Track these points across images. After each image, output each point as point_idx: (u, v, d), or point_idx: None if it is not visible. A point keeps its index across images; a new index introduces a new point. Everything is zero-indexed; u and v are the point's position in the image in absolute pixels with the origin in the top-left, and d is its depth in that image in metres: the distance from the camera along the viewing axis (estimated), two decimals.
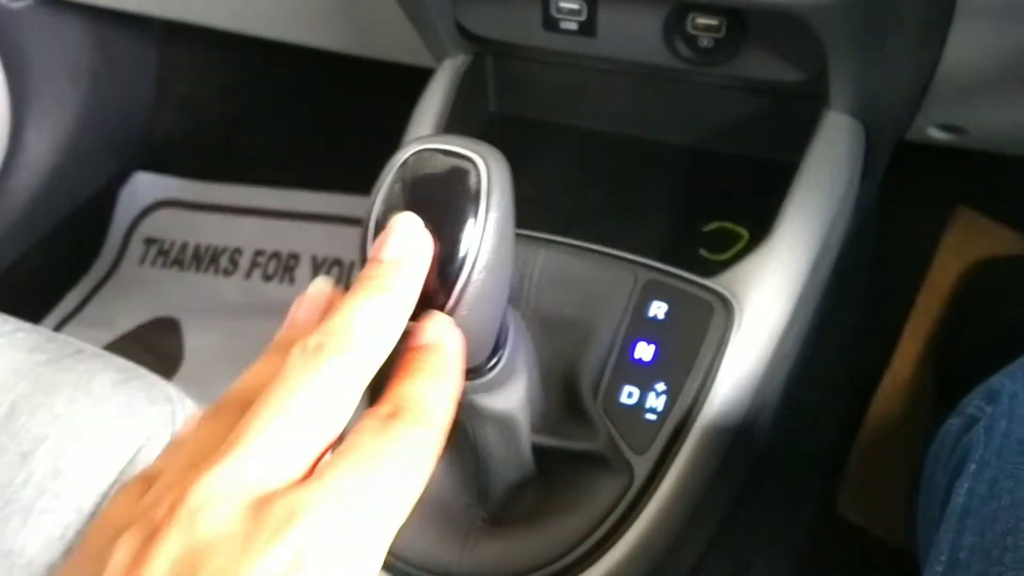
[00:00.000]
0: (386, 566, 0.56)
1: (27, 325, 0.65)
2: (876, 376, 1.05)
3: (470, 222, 0.42)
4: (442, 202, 0.42)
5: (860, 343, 1.03)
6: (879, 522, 1.00)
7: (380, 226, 0.43)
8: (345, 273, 1.31)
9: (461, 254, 0.42)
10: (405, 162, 0.44)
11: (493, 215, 0.41)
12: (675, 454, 0.55)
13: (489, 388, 0.48)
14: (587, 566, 0.54)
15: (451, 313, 0.42)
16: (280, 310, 1.31)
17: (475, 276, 0.41)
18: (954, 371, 1.06)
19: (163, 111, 1.42)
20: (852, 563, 0.99)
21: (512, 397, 0.50)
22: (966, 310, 1.08)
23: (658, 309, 0.58)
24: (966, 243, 1.10)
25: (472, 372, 0.47)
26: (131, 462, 0.57)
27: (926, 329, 1.08)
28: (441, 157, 0.43)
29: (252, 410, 0.31)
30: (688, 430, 0.55)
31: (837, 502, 1.01)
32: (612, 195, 0.72)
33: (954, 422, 0.54)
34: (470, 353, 0.45)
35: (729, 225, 0.68)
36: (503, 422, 0.50)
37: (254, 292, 1.32)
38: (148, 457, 0.56)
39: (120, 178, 1.42)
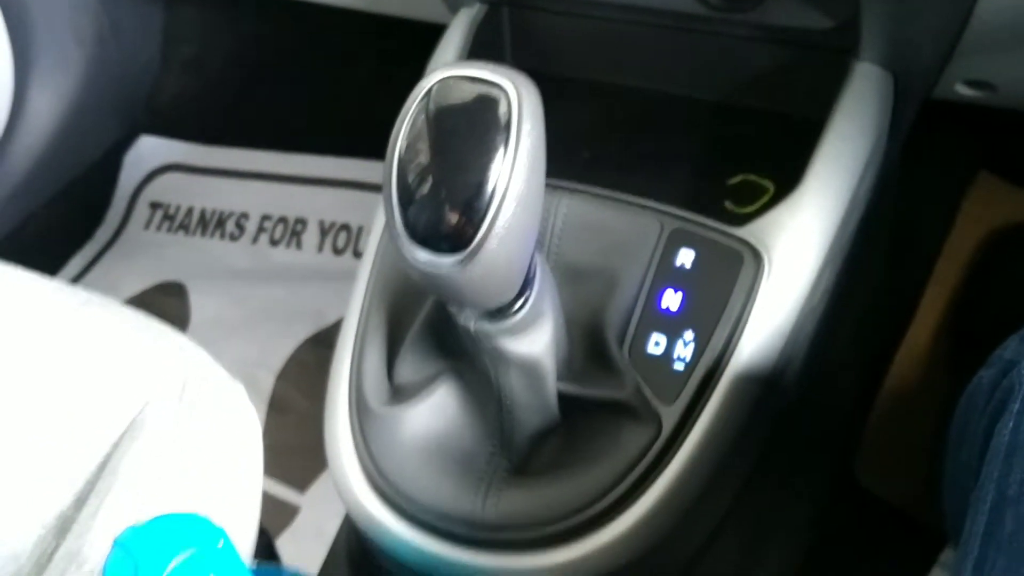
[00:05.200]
0: (407, 516, 0.54)
1: (33, 275, 0.64)
2: (894, 343, 1.04)
3: (499, 153, 0.40)
4: (469, 133, 0.41)
5: (879, 309, 1.01)
6: (895, 489, 0.99)
7: (404, 161, 0.42)
8: (353, 238, 1.29)
9: (490, 187, 0.40)
10: (429, 91, 0.42)
11: (525, 144, 0.40)
12: (704, 404, 0.53)
13: (515, 331, 0.46)
14: (612, 517, 0.52)
15: (479, 248, 0.40)
16: (287, 275, 1.29)
17: (506, 208, 0.40)
18: (972, 339, 1.05)
19: (169, 74, 1.40)
20: (869, 530, 0.98)
21: (538, 341, 0.48)
22: (984, 279, 1.07)
23: (685, 257, 0.56)
24: (986, 210, 1.09)
25: (499, 313, 0.45)
26: (142, 412, 0.55)
27: (944, 297, 1.07)
28: (467, 85, 0.41)
29: None
30: (717, 380, 0.53)
31: (854, 469, 1.00)
32: (634, 149, 0.70)
33: (987, 372, 0.53)
34: (498, 291, 0.43)
35: (754, 178, 0.66)
36: (528, 367, 0.48)
37: (261, 257, 1.30)
38: (159, 408, 0.55)
39: (125, 142, 1.40)
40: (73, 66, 1.31)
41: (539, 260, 0.47)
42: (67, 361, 0.56)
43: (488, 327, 0.46)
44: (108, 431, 0.54)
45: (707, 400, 0.53)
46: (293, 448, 1.08)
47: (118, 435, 0.54)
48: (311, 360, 1.18)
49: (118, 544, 0.35)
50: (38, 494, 0.52)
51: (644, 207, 0.58)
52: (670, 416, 0.53)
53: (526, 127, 0.40)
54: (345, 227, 1.30)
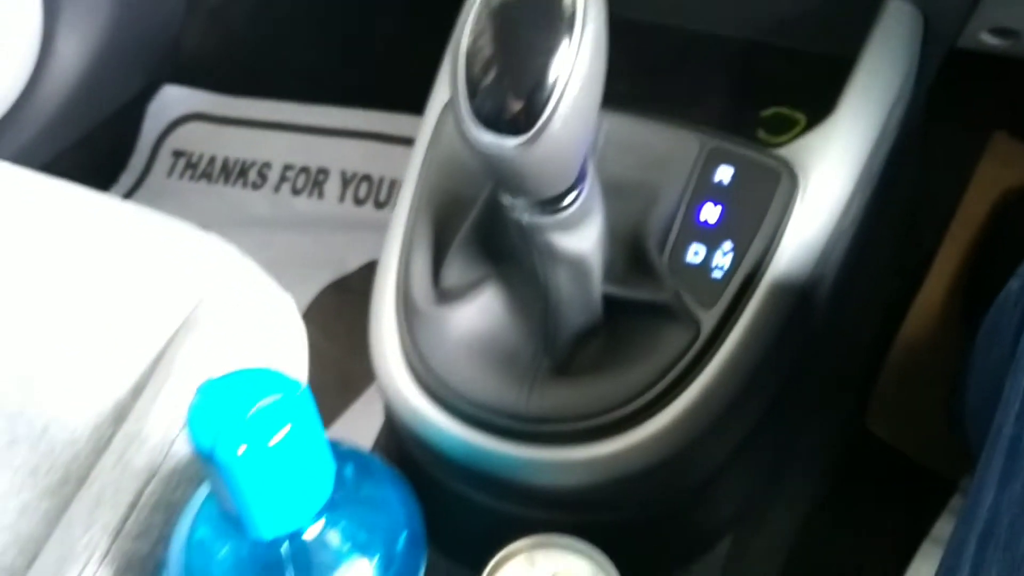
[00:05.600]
0: (451, 409, 0.56)
1: (78, 188, 0.65)
2: (909, 297, 1.05)
3: (564, 42, 0.42)
4: (533, 24, 0.42)
5: (896, 263, 1.03)
6: (907, 437, 1.01)
7: (471, 58, 0.43)
8: (374, 189, 1.31)
9: (553, 74, 0.42)
10: None
11: (590, 31, 0.41)
12: (741, 310, 0.55)
13: (566, 226, 0.48)
14: (652, 414, 0.54)
15: (543, 130, 0.42)
16: (309, 223, 1.31)
17: (568, 93, 0.41)
18: (984, 299, 1.07)
19: (194, 23, 1.41)
20: (881, 477, 1.00)
21: (587, 238, 0.50)
22: (997, 239, 1.09)
23: (724, 174, 0.58)
24: (1000, 171, 1.11)
25: (552, 204, 0.47)
26: (196, 309, 0.57)
27: (958, 255, 1.09)
28: None
29: None
30: (754, 288, 0.55)
31: (867, 419, 1.02)
32: (668, 83, 0.72)
33: (1015, 282, 0.55)
34: (557, 175, 0.45)
35: (786, 111, 0.68)
36: (577, 264, 0.50)
37: (283, 205, 1.32)
38: (212, 305, 0.57)
39: (149, 91, 1.42)
40: (100, 12, 1.32)
41: (590, 163, 0.49)
42: (125, 260, 0.58)
43: (541, 220, 0.48)
44: (164, 326, 0.56)
45: (745, 306, 0.55)
46: (317, 386, 1.09)
47: (173, 330, 0.56)
48: (333, 304, 1.20)
49: (201, 391, 0.37)
50: (97, 382, 0.54)
51: (684, 127, 0.60)
52: (709, 320, 0.55)
53: (592, 13, 0.41)
54: (367, 178, 1.32)
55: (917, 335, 1.05)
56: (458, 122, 0.43)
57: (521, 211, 0.48)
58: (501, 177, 0.45)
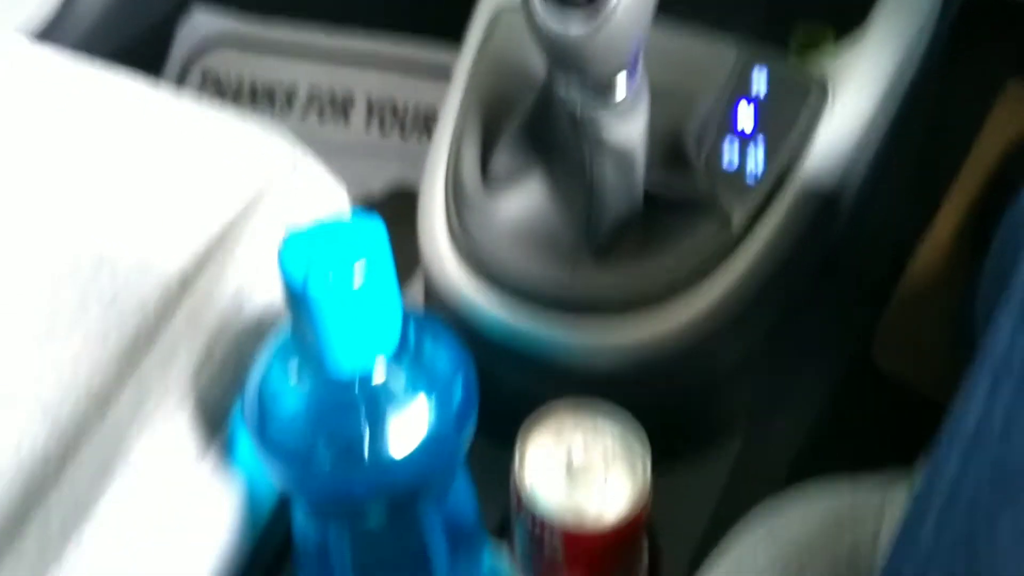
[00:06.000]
0: (494, 281, 0.60)
1: (140, 83, 0.68)
2: (918, 237, 1.09)
3: None
4: None
5: (908, 198, 1.07)
6: (910, 371, 1.05)
7: None
8: (399, 117, 1.34)
9: None
10: None
11: None
12: (771, 209, 0.59)
13: (617, 115, 0.52)
14: (684, 297, 0.58)
15: (605, 5, 0.45)
16: (334, 149, 1.33)
17: None
18: (990, 243, 1.10)
19: None
20: (884, 409, 1.04)
21: (635, 129, 0.53)
22: (1006, 183, 1.12)
23: (758, 83, 0.62)
24: (1013, 117, 1.13)
25: (605, 92, 0.50)
26: (257, 193, 0.60)
27: (968, 197, 1.12)
28: None
29: None
30: (783, 190, 0.59)
31: (872, 351, 1.06)
32: (692, 10, 0.75)
33: None
34: (615, 56, 0.48)
35: (816, 29, 0.71)
36: (623, 154, 0.54)
37: (308, 131, 1.34)
38: (275, 185, 0.60)
39: (178, 12, 1.44)
40: None
41: (641, 58, 0.52)
42: (191, 144, 0.62)
43: (592, 110, 0.51)
44: (230, 203, 0.59)
45: (774, 205, 0.59)
46: None
47: (241, 207, 0.59)
48: None
49: (290, 234, 0.41)
50: (163, 256, 0.58)
51: (721, 37, 0.63)
52: (740, 216, 0.58)
53: None
54: (392, 106, 1.35)
55: (925, 272, 1.09)
56: (525, 2, 0.47)
57: (573, 102, 0.51)
58: (562, 55, 0.48)
